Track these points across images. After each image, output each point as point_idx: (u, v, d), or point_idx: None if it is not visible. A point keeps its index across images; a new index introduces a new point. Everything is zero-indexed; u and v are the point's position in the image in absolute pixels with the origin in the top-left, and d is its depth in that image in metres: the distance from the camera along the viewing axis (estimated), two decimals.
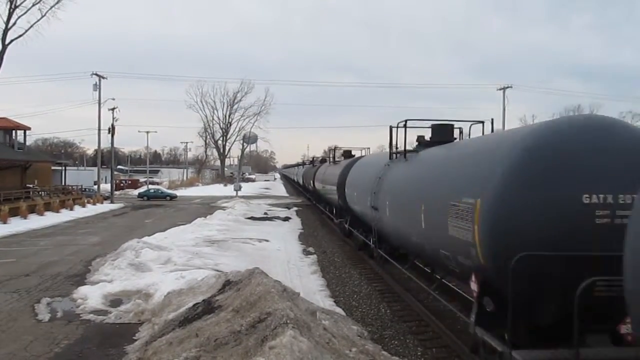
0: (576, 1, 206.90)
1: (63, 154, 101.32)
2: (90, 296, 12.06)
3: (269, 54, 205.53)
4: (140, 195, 56.86)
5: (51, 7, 39.23)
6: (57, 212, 35.78)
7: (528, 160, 6.02)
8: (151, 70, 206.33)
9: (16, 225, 27.99)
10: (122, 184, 78.46)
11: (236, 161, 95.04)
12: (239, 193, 48.60)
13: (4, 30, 38.12)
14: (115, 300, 11.88)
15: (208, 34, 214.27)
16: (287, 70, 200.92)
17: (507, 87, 54.68)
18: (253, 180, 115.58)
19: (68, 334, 9.60)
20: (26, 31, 38.72)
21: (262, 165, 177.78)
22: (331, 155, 31.02)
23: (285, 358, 5.99)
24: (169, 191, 60.40)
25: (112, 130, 50.00)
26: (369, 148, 28.33)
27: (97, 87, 49.19)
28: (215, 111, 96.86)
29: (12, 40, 38.66)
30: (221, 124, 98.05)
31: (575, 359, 5.18)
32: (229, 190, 59.92)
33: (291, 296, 9.15)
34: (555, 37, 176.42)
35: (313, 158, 47.29)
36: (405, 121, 12.15)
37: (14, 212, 30.96)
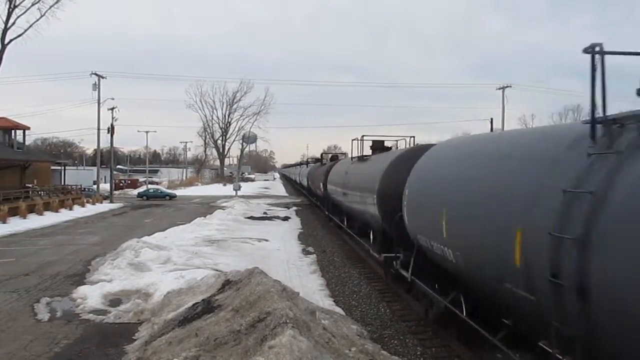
0: (576, 1, 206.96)
1: (62, 153, 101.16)
2: (90, 296, 12.06)
3: (269, 53, 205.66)
4: (140, 195, 56.88)
5: (50, 7, 39.23)
6: (57, 211, 35.77)
7: None
8: (151, 69, 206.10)
9: (15, 225, 27.98)
10: (121, 184, 78.40)
11: (235, 161, 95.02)
12: (239, 193, 48.61)
13: (3, 30, 38.11)
14: (115, 300, 11.88)
15: (208, 33, 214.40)
16: (286, 70, 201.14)
17: (506, 87, 54.75)
18: (252, 180, 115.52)
19: (67, 334, 9.61)
20: (25, 31, 38.72)
21: (261, 165, 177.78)
22: (356, 147, 19.76)
23: (284, 357, 6.00)
24: (169, 191, 60.43)
25: (111, 129, 50.00)
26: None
27: (96, 86, 49.18)
28: (214, 111, 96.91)
29: (11, 40, 38.65)
30: (220, 124, 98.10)
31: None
32: (228, 189, 59.93)
33: (291, 296, 9.15)
34: (554, 37, 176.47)
35: (322, 155, 38.75)
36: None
37: (14, 212, 30.95)
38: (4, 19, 38.13)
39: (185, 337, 7.78)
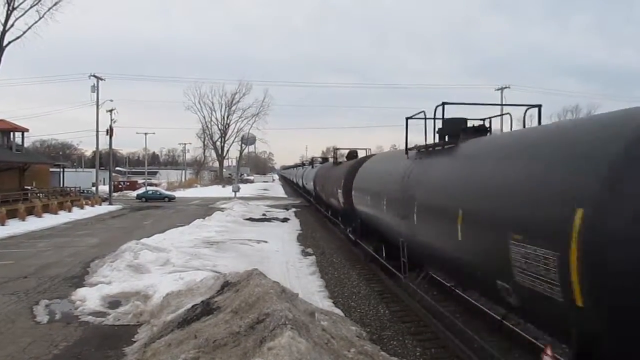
0: (575, 1, 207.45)
1: (61, 155, 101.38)
2: (89, 298, 12.05)
3: (268, 54, 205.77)
4: (139, 197, 56.83)
5: (49, 9, 39.35)
6: (55, 213, 35.73)
7: None
8: (149, 71, 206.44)
9: (14, 227, 27.94)
10: (120, 186, 78.34)
11: (234, 162, 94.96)
12: (238, 194, 48.58)
13: (2, 32, 38.16)
14: (114, 302, 11.87)
15: (206, 35, 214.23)
16: (285, 71, 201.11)
17: (505, 88, 54.84)
18: (251, 182, 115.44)
19: (66, 336, 9.60)
20: (24, 33, 38.82)
21: (260, 166, 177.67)
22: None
23: (283, 359, 6.00)
24: (168, 192, 60.39)
25: (110, 131, 49.95)
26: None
27: (95, 88, 49.21)
28: (213, 112, 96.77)
29: (10, 42, 38.73)
30: (219, 125, 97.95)
31: None
32: (227, 191, 59.86)
33: (290, 297, 9.15)
34: (553, 38, 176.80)
35: (335, 151, 29.74)
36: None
37: (12, 214, 30.91)
38: (3, 21, 38.27)
39: (185, 339, 7.78)
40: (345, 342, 7.98)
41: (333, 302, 12.10)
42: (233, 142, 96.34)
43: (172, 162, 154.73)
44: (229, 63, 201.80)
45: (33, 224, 30.13)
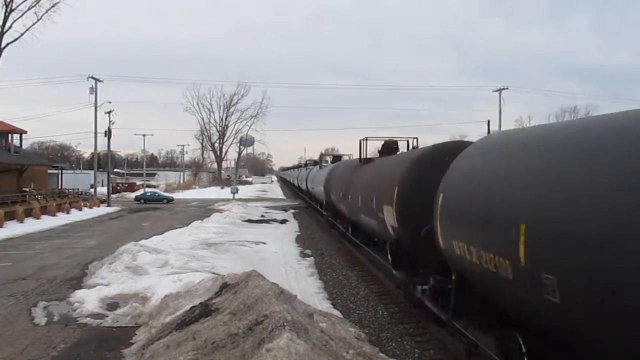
0: (573, 3, 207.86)
1: (59, 157, 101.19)
2: (87, 300, 12.03)
3: (266, 56, 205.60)
4: (137, 199, 56.80)
5: (47, 11, 39.48)
6: (54, 215, 35.68)
7: None
8: (148, 73, 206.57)
9: (12, 229, 27.90)
10: (118, 187, 78.28)
11: (233, 164, 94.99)
12: (236, 196, 48.60)
13: (0, 34, 38.11)
14: (112, 304, 11.85)
15: (204, 36, 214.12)
16: (284, 73, 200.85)
17: (504, 89, 54.98)
18: (250, 183, 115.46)
19: (65, 338, 9.58)
20: (22, 34, 38.92)
21: (259, 167, 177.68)
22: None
23: None
24: (166, 194, 60.37)
25: (108, 133, 49.94)
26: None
27: (93, 90, 49.21)
28: (211, 114, 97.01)
29: (8, 44, 38.85)
30: (218, 127, 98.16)
31: None
32: (225, 192, 59.88)
33: (288, 299, 9.15)
34: (552, 39, 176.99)
35: (363, 141, 19.77)
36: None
37: (10, 216, 30.87)
38: (1, 23, 38.27)
39: (183, 341, 7.77)
40: (344, 344, 7.99)
41: (332, 304, 12.11)
42: (231, 143, 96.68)
43: (171, 164, 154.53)
44: (228, 65, 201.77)
45: (31, 225, 30.08)
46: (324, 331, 8.17)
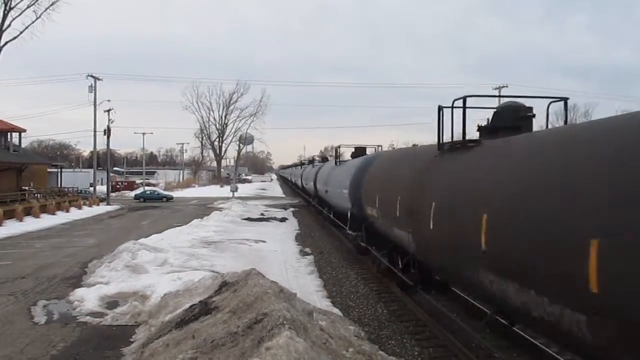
0: (572, 1, 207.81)
1: (59, 155, 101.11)
2: (87, 298, 12.03)
3: (266, 54, 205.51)
4: (137, 197, 56.81)
5: (46, 9, 39.34)
6: (53, 214, 35.68)
7: None
8: (147, 71, 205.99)
9: (12, 228, 27.90)
10: (118, 186, 78.30)
11: (232, 162, 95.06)
12: (236, 194, 48.55)
13: None
14: (112, 302, 11.86)
15: (204, 35, 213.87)
16: (283, 71, 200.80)
17: (503, 87, 54.81)
18: (249, 181, 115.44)
19: (64, 337, 9.58)
20: (21, 33, 38.82)
21: (258, 166, 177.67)
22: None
23: (281, 359, 6.00)
24: (166, 192, 60.35)
25: (108, 131, 49.89)
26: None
27: (92, 88, 49.13)
28: (211, 112, 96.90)
29: (6, 42, 38.71)
30: (217, 125, 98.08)
31: None
32: (225, 191, 59.86)
33: (288, 297, 9.15)
34: (551, 37, 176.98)
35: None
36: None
37: (10, 215, 30.86)
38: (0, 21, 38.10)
39: (183, 339, 7.77)
40: (344, 342, 7.99)
41: (331, 302, 12.11)
42: (231, 142, 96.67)
43: (170, 162, 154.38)
44: (227, 63, 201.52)
45: (30, 224, 30.08)
46: (323, 329, 8.17)
